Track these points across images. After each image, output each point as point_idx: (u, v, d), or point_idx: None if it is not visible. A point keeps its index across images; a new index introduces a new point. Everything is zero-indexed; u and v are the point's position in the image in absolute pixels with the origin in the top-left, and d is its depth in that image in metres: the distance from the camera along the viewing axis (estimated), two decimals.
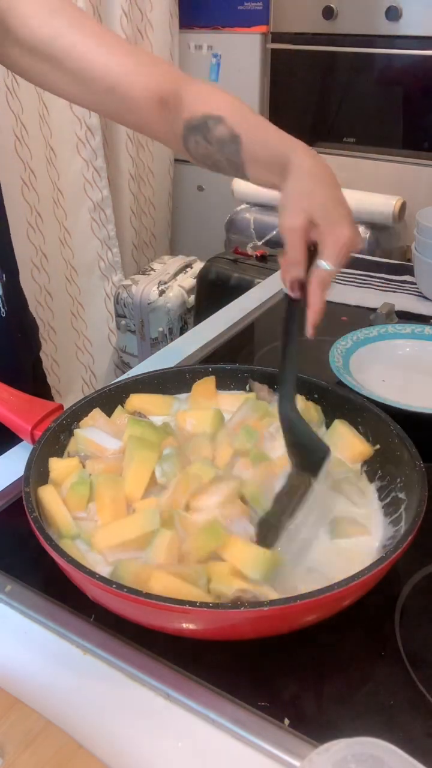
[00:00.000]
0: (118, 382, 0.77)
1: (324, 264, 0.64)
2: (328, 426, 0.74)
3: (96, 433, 0.70)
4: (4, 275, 0.85)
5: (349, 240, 0.64)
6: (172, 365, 0.93)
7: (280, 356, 0.66)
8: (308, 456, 0.65)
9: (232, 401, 0.76)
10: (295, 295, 0.65)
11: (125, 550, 0.58)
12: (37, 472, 0.63)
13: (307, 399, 0.75)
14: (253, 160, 0.71)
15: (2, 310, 0.85)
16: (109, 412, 0.74)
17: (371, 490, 0.67)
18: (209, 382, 0.78)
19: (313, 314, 0.64)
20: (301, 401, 0.74)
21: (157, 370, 0.79)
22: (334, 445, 0.68)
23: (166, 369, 0.80)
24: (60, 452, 0.70)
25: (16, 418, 0.71)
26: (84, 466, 0.67)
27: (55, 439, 0.69)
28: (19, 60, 0.77)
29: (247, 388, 0.79)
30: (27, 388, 0.93)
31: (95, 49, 0.73)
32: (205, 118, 0.72)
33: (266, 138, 0.71)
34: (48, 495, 0.62)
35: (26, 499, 0.58)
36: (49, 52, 0.74)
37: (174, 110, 0.73)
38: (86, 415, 0.72)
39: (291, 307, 0.66)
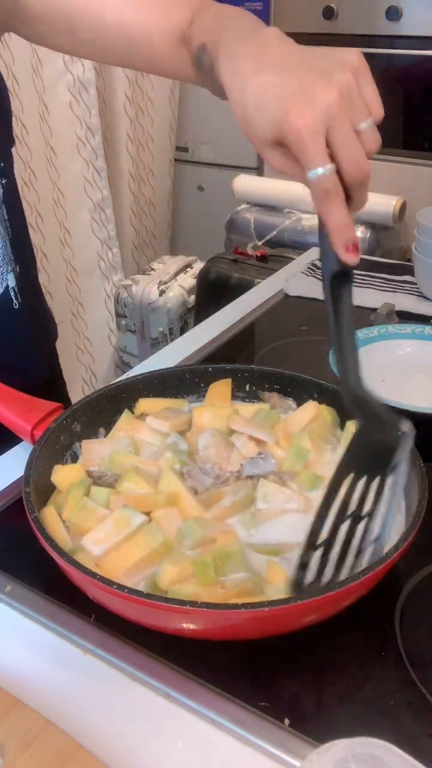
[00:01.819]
0: (118, 382, 0.77)
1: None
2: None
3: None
4: (18, 267, 0.85)
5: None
6: (172, 365, 0.93)
7: (332, 324, 0.55)
8: (384, 439, 0.55)
9: (245, 411, 0.74)
10: (353, 260, 0.51)
11: (139, 569, 0.57)
12: (37, 472, 0.63)
13: (314, 401, 0.75)
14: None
15: (15, 302, 0.85)
16: (111, 413, 0.74)
17: None
18: (225, 384, 0.77)
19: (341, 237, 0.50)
20: (313, 406, 0.73)
21: (156, 370, 0.79)
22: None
23: (165, 369, 0.80)
24: (61, 453, 0.69)
25: (16, 418, 0.71)
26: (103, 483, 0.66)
27: (56, 439, 0.68)
28: (34, 29, 0.76)
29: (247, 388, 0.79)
30: (41, 380, 0.94)
31: (107, 2, 0.70)
32: (199, 51, 0.64)
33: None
34: (48, 517, 0.61)
35: (26, 500, 0.58)
36: (63, 15, 0.72)
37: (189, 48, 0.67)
38: (86, 416, 0.72)
39: (340, 284, 0.53)
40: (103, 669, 0.55)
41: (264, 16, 2.18)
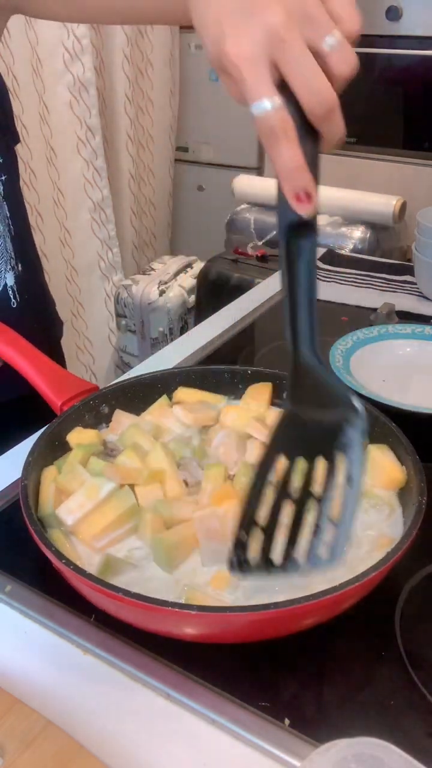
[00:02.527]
0: (155, 372, 0.77)
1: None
2: None
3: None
4: (19, 266, 0.85)
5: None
6: (173, 365, 0.93)
7: (284, 284, 0.48)
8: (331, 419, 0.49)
9: (276, 416, 0.73)
10: (306, 211, 0.43)
11: (107, 533, 0.59)
12: (50, 445, 0.65)
13: None
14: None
15: (13, 300, 0.85)
16: (143, 401, 0.75)
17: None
18: (264, 387, 0.76)
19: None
20: None
21: (199, 366, 0.80)
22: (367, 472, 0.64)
23: (207, 367, 0.80)
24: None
25: (49, 391, 0.72)
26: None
27: (80, 417, 0.70)
28: (40, 6, 0.77)
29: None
30: None
31: None
32: None
33: None
34: (46, 474, 0.64)
35: (25, 468, 0.61)
36: None
37: None
38: (116, 400, 0.73)
39: (298, 236, 0.46)
40: (103, 669, 0.55)
41: None
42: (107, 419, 0.73)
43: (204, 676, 0.53)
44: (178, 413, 0.73)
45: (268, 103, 0.41)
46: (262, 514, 0.49)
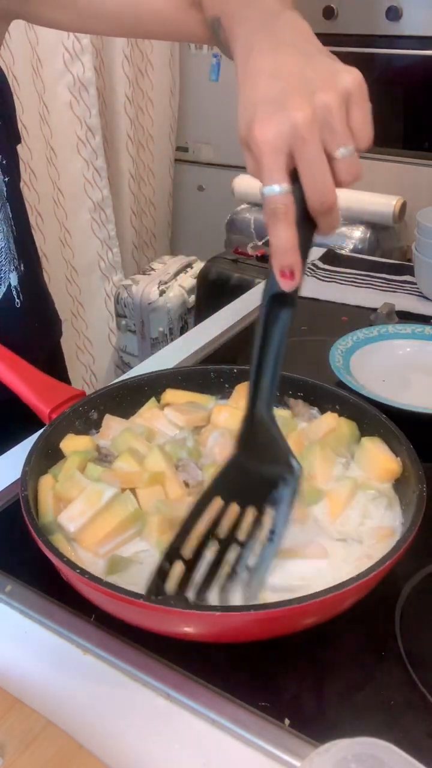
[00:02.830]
0: (142, 375, 0.77)
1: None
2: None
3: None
4: (22, 265, 0.85)
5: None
6: (173, 365, 0.93)
7: (255, 354, 0.53)
8: (270, 475, 0.53)
9: None
10: (288, 287, 0.48)
11: (110, 539, 0.59)
12: (43, 454, 0.64)
13: (335, 412, 0.73)
14: None
15: (17, 300, 0.85)
16: (131, 405, 0.75)
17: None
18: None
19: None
20: (332, 418, 0.71)
21: (183, 367, 0.79)
22: (362, 464, 0.66)
23: (191, 367, 0.80)
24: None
25: (36, 400, 0.71)
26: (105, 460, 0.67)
27: (70, 424, 0.69)
28: (43, 12, 0.79)
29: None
30: (55, 375, 0.94)
31: None
32: (213, 22, 0.63)
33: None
34: (43, 482, 0.64)
35: (22, 479, 0.60)
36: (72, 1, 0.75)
37: (201, 10, 0.69)
38: (104, 405, 0.73)
39: (278, 306, 0.50)
40: (103, 669, 0.55)
41: None
42: (97, 425, 0.73)
43: (204, 676, 0.53)
44: (170, 415, 0.72)
45: (277, 188, 0.45)
46: (188, 548, 0.52)
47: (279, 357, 0.52)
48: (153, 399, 0.75)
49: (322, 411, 0.75)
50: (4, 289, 0.84)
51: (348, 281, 1.26)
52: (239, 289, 1.64)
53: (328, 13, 1.99)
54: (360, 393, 0.79)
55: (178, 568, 0.51)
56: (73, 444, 0.68)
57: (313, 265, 1.32)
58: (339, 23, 2.01)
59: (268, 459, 0.53)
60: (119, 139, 2.26)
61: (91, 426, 0.72)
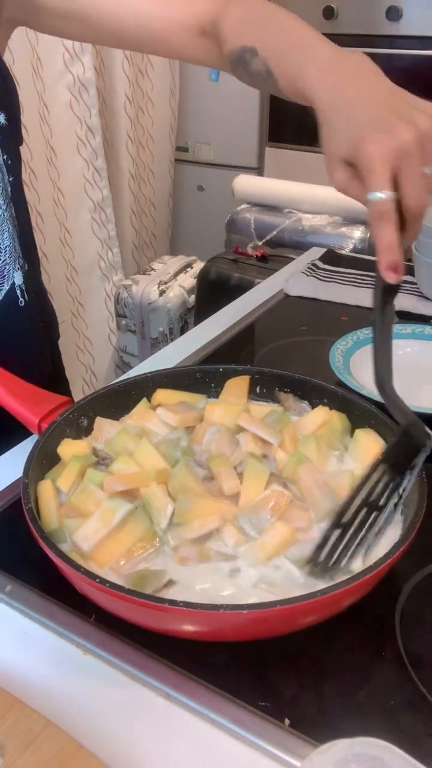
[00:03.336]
0: (127, 378, 0.77)
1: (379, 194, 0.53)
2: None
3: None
4: (26, 265, 0.86)
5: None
6: (172, 365, 0.93)
7: (377, 330, 0.60)
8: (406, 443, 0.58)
9: (259, 410, 0.74)
10: (394, 279, 0.56)
11: (125, 561, 0.58)
12: (39, 464, 0.64)
13: (325, 406, 0.74)
14: (292, 91, 0.65)
15: (21, 299, 0.86)
16: (120, 409, 0.74)
17: None
18: (243, 381, 0.77)
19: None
20: (324, 412, 0.72)
21: (169, 368, 0.79)
22: (356, 456, 0.67)
23: (177, 367, 0.80)
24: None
25: (24, 410, 0.71)
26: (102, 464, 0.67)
27: (61, 432, 0.69)
28: (50, 24, 0.81)
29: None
30: (46, 377, 0.94)
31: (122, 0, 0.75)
32: (243, 52, 0.69)
33: (294, 67, 0.64)
34: (43, 488, 0.63)
35: (23, 490, 0.59)
36: (80, 15, 0.77)
37: (215, 39, 0.74)
38: (93, 411, 0.72)
39: (386, 295, 0.58)
40: (103, 669, 0.55)
41: None
42: (87, 431, 0.72)
43: (204, 676, 0.53)
44: (162, 415, 0.72)
45: (385, 194, 0.53)
46: (348, 515, 0.56)
47: (391, 335, 0.60)
48: (145, 399, 0.75)
49: (312, 405, 0.76)
50: (7, 288, 0.84)
51: (348, 281, 1.26)
52: (239, 289, 1.63)
53: (328, 13, 1.99)
54: (360, 393, 0.79)
55: (334, 536, 0.55)
56: (70, 449, 0.68)
57: (313, 265, 1.32)
58: (339, 23, 2.01)
59: (412, 427, 0.59)
60: (119, 139, 2.26)
61: (81, 432, 0.72)
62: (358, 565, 0.56)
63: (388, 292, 0.59)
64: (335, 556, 0.55)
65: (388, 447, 0.60)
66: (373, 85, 0.58)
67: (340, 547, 0.55)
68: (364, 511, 0.56)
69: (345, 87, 0.58)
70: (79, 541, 0.59)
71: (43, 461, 0.66)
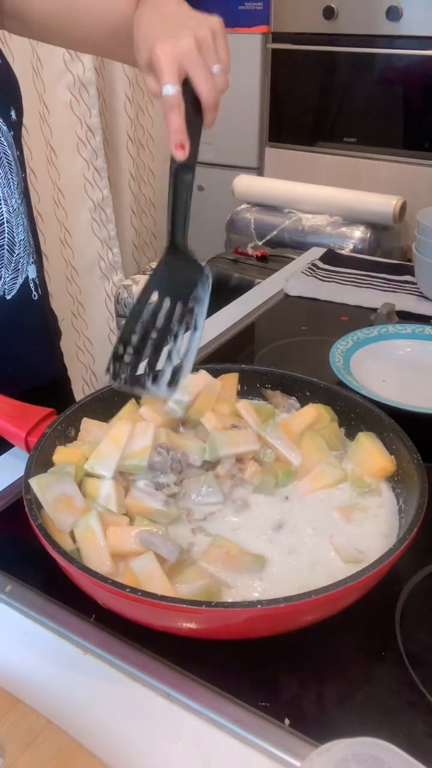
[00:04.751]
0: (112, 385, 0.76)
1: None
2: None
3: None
4: (37, 258, 0.87)
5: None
6: None
7: (169, 199, 0.68)
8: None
9: (245, 407, 0.73)
10: (182, 155, 0.66)
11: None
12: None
13: (308, 399, 0.75)
14: None
15: (35, 293, 0.86)
16: (105, 416, 0.74)
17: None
18: (232, 378, 0.77)
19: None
20: (313, 409, 0.72)
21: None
22: (356, 459, 0.68)
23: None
24: None
25: (10, 426, 0.70)
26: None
27: (51, 444, 0.68)
28: (33, 31, 0.86)
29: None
30: (54, 377, 0.96)
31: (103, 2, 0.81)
32: None
33: None
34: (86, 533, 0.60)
35: (28, 507, 0.58)
36: (62, 18, 0.82)
37: None
38: (80, 421, 0.71)
39: (182, 173, 0.68)
40: (103, 669, 0.55)
41: (264, 16, 2.17)
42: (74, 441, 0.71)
43: (204, 676, 0.53)
44: (145, 414, 0.71)
45: (171, 88, 0.62)
46: (136, 335, 0.65)
47: (188, 207, 0.70)
48: (132, 401, 0.74)
49: (298, 400, 0.77)
50: (21, 281, 0.84)
51: (348, 281, 1.26)
52: (239, 289, 1.64)
53: (328, 13, 1.99)
54: (360, 393, 0.79)
55: (128, 352, 0.65)
56: (63, 456, 0.66)
57: (313, 265, 1.32)
58: (339, 23, 2.01)
59: (187, 268, 0.70)
60: (119, 139, 2.26)
61: (69, 443, 0.71)
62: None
63: (180, 169, 0.67)
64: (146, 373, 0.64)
65: (159, 270, 0.70)
66: (169, 10, 0.69)
67: (143, 362, 0.64)
68: (155, 332, 0.65)
69: (145, 13, 0.69)
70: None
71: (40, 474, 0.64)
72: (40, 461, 0.65)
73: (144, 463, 0.63)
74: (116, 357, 0.64)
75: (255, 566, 0.58)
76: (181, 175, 0.68)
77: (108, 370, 0.64)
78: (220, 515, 0.64)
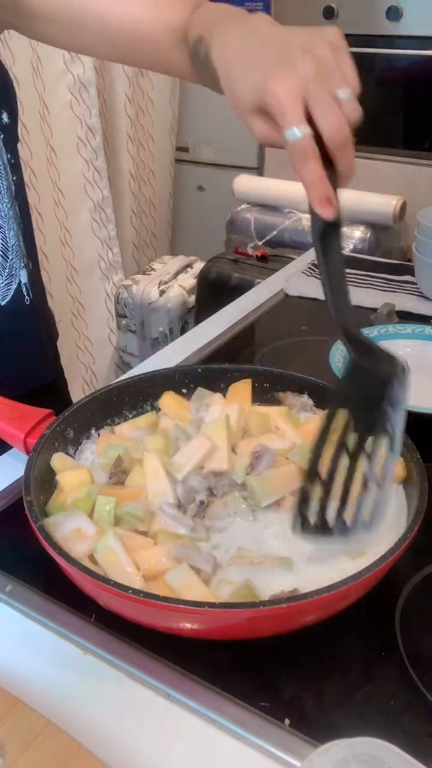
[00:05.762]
0: (109, 386, 0.76)
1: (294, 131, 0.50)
2: None
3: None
4: (30, 263, 0.86)
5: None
6: (173, 365, 0.93)
7: (323, 274, 0.56)
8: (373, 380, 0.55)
9: (282, 416, 0.73)
10: (329, 213, 0.52)
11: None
12: (36, 481, 0.63)
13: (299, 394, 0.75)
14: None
15: (27, 298, 0.86)
16: (103, 417, 0.74)
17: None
18: (245, 384, 0.76)
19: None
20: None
21: (147, 373, 0.78)
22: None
23: (155, 371, 0.79)
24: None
25: (8, 427, 0.70)
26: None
27: (50, 446, 0.68)
28: (36, 27, 0.79)
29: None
30: (47, 380, 0.95)
31: (112, 3, 0.73)
32: (195, 44, 0.66)
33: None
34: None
35: (29, 509, 0.58)
36: (67, 14, 0.75)
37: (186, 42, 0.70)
38: (78, 422, 0.71)
39: (328, 235, 0.54)
40: (103, 669, 0.55)
41: None
42: (74, 442, 0.72)
43: (204, 676, 0.53)
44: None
45: (300, 132, 0.50)
46: (324, 467, 0.54)
47: (344, 277, 0.56)
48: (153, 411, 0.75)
49: (310, 397, 0.76)
50: (15, 287, 0.84)
51: (348, 281, 1.26)
52: (239, 289, 1.64)
53: (328, 13, 1.99)
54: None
55: (316, 493, 0.53)
56: (70, 482, 0.65)
57: (314, 265, 1.32)
58: (339, 23, 2.01)
59: (374, 363, 0.55)
60: (119, 139, 2.26)
61: (68, 444, 0.71)
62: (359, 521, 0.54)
63: (327, 231, 0.54)
64: (332, 511, 0.52)
65: (341, 387, 0.57)
66: (266, 32, 0.55)
67: (335, 500, 0.53)
68: (344, 458, 0.54)
69: (232, 35, 0.57)
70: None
71: (38, 477, 0.64)
72: (41, 463, 0.65)
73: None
74: (303, 497, 0.54)
75: (282, 567, 0.57)
76: (329, 239, 0.54)
77: (294, 523, 0.54)
78: (239, 525, 0.63)
